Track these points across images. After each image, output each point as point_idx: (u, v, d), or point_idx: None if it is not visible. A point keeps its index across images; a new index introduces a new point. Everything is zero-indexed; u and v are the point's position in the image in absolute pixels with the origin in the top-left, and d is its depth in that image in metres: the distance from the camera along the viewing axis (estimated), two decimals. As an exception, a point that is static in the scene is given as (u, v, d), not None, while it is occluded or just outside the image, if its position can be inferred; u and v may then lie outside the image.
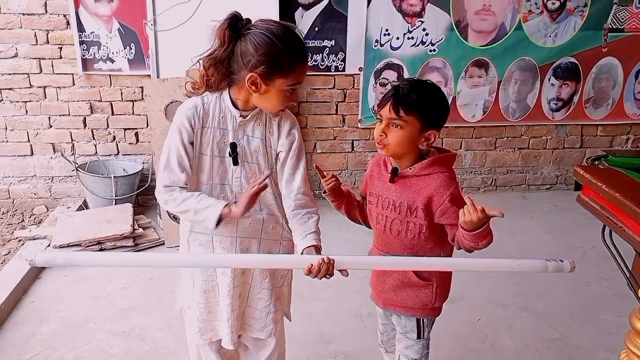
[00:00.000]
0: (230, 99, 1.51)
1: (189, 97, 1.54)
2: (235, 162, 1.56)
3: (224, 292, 1.64)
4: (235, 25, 1.42)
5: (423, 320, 1.69)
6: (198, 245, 1.64)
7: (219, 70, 1.46)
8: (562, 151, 4.39)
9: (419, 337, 1.70)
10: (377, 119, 1.59)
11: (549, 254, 3.36)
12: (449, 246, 1.64)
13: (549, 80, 4.13)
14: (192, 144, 1.51)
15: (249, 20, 1.44)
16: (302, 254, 1.51)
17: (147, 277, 3.00)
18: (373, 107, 4.00)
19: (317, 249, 1.51)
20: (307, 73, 3.62)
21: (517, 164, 4.40)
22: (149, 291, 2.86)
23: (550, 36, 3.99)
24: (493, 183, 4.43)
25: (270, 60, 1.38)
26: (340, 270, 1.42)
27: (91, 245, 3.20)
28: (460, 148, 4.23)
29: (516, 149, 4.35)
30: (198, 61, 1.49)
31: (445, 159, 1.59)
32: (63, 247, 3.14)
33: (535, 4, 3.89)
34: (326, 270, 1.37)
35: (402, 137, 1.51)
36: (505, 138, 4.30)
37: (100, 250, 3.22)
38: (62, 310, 2.72)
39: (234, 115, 1.52)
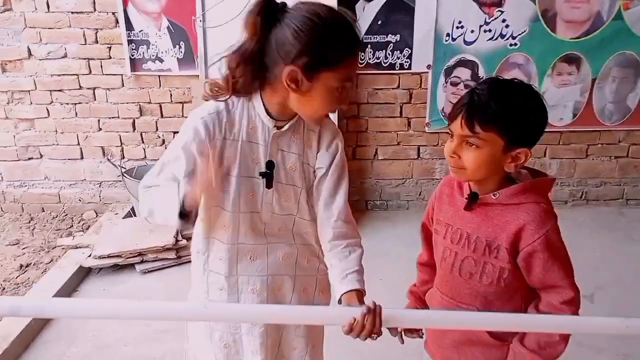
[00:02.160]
0: (263, 104, 1.19)
1: (207, 100, 1.22)
2: (269, 185, 1.24)
3: (255, 345, 1.34)
4: (269, 10, 1.09)
5: None
6: (219, 290, 1.34)
7: (249, 69, 1.14)
8: (668, 161, 3.78)
9: None
10: (448, 132, 1.22)
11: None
12: (534, 297, 1.26)
13: (655, 77, 3.54)
14: (203, 156, 1.17)
15: (284, 4, 1.12)
16: (339, 300, 1.19)
17: (186, 295, 2.76)
18: (442, 110, 3.58)
19: (360, 295, 1.18)
20: (369, 72, 3.19)
21: (613, 175, 3.83)
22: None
23: (657, 26, 3.40)
24: (584, 196, 3.88)
25: (314, 49, 1.07)
26: (389, 329, 1.10)
27: (132, 257, 3.02)
28: (545, 156, 3.73)
29: (612, 157, 3.78)
30: (221, 58, 1.17)
31: (541, 184, 1.22)
32: (103, 257, 2.98)
33: (640, -12, 3.33)
34: (372, 326, 1.04)
35: (479, 160, 1.15)
36: (600, 145, 3.74)
37: (142, 262, 3.02)
38: (94, 329, 2.54)
39: (267, 126, 1.21)
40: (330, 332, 1.51)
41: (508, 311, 1.25)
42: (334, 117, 3.29)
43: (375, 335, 1.06)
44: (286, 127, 1.22)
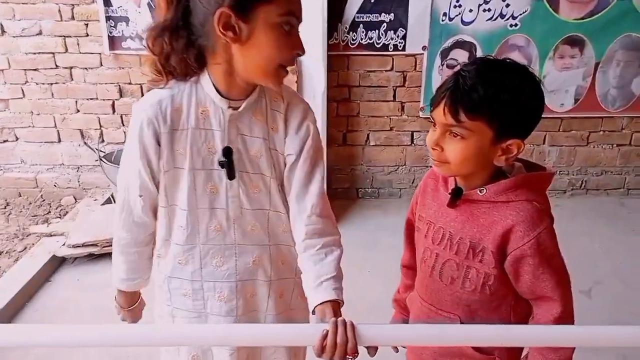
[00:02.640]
0: (211, 82, 1.03)
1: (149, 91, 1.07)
2: (231, 175, 1.08)
3: (223, 356, 1.19)
4: None
5: None
6: (182, 296, 1.19)
7: (177, 42, 0.97)
8: (672, 149, 3.63)
9: None
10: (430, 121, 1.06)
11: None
12: (523, 306, 1.11)
13: (662, 61, 3.37)
14: (160, 158, 1.05)
15: None
16: (313, 312, 1.03)
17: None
18: (438, 93, 3.41)
19: (337, 306, 1.01)
20: (361, 53, 2.96)
21: (614, 164, 3.68)
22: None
23: (666, 6, 3.23)
24: (583, 185, 3.73)
25: None
26: (367, 348, 0.95)
27: (108, 246, 2.85)
28: (544, 143, 3.58)
29: (614, 145, 3.63)
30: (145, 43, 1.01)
31: (536, 180, 1.06)
32: (78, 246, 2.84)
33: (649, -34, 3.14)
34: (345, 344, 0.90)
35: (465, 152, 1.00)
36: (602, 132, 3.59)
37: (119, 251, 2.88)
38: (66, 322, 2.42)
39: (220, 108, 1.04)
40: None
41: (495, 322, 1.11)
42: (322, 100, 3.13)
43: (351, 356, 0.92)
44: (243, 106, 1.06)
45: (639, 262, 2.89)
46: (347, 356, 0.91)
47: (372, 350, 0.97)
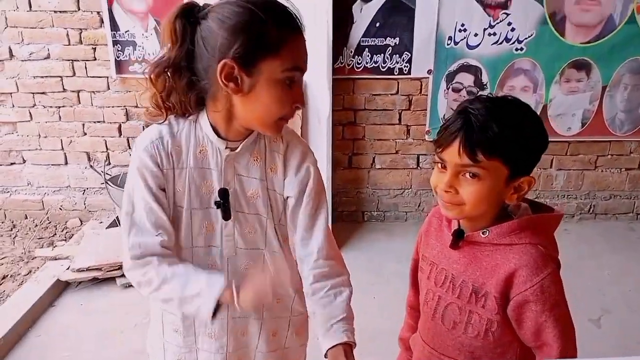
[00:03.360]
0: (210, 123, 1.03)
1: (148, 126, 1.06)
2: (227, 216, 1.07)
3: None
4: (190, 13, 0.95)
5: None
6: (174, 332, 1.18)
7: (178, 82, 0.98)
8: (681, 173, 3.58)
9: None
10: (434, 162, 1.04)
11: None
12: (531, 354, 1.07)
13: (669, 85, 3.35)
14: (163, 190, 1.04)
15: (205, 5, 0.97)
16: (325, 355, 1.03)
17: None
18: (443, 117, 3.40)
19: (349, 348, 1.02)
20: (366, 77, 2.97)
21: (623, 188, 3.64)
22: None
23: (672, 31, 3.21)
24: (591, 210, 3.68)
25: (247, 33, 0.91)
26: None
27: (112, 270, 2.86)
28: (551, 167, 3.55)
29: (623, 169, 3.59)
30: (147, 75, 1.01)
31: (542, 222, 1.03)
32: (82, 270, 2.83)
33: (655, -10, 3.14)
34: None
35: (482, 193, 0.98)
36: (609, 156, 3.56)
37: (123, 275, 2.86)
38: (68, 348, 2.41)
39: (217, 148, 1.04)
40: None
41: None
42: (327, 123, 3.12)
43: None
44: (240, 147, 1.05)
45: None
46: None
47: None
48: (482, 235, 1.03)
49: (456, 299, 1.07)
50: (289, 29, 0.95)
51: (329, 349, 1.03)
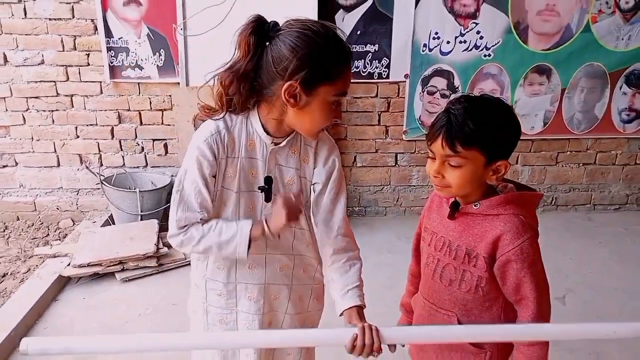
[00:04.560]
0: (260, 122, 1.22)
1: (203, 120, 1.24)
2: (268, 199, 1.28)
3: (249, 349, 1.37)
4: (261, 29, 1.12)
5: None
6: (217, 296, 1.37)
7: (244, 87, 1.16)
8: (633, 167, 3.93)
9: None
10: (424, 140, 1.27)
11: (622, 288, 2.95)
12: (513, 309, 1.29)
13: (621, 88, 3.68)
14: (214, 177, 1.23)
15: (276, 23, 1.15)
16: (341, 314, 1.25)
17: (169, 303, 2.76)
18: (419, 118, 3.66)
19: (361, 310, 1.24)
20: None
21: (581, 181, 3.96)
22: (170, 321, 2.60)
23: (622, 39, 3.55)
24: (554, 202, 4.00)
25: (313, 63, 1.10)
26: (388, 346, 1.15)
27: (112, 265, 2.98)
28: (517, 163, 3.84)
29: (581, 164, 3.92)
30: (213, 77, 1.19)
31: (525, 199, 1.25)
32: (83, 266, 2.94)
33: (606, 3, 3.46)
34: (371, 343, 1.10)
35: (463, 177, 1.19)
36: (569, 152, 3.87)
37: (122, 270, 3.00)
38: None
39: (264, 142, 1.24)
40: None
41: (487, 321, 1.28)
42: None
43: (377, 353, 1.11)
44: (283, 143, 1.26)
45: (605, 270, 3.14)
46: (373, 352, 1.11)
47: (392, 347, 1.16)
48: (474, 207, 1.24)
49: (452, 260, 1.28)
50: (344, 62, 1.16)
51: (344, 310, 1.24)
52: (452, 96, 3.55)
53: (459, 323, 1.30)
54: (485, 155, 1.17)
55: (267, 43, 1.13)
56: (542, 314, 1.21)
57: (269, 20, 1.15)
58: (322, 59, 1.11)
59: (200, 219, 1.24)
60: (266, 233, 1.23)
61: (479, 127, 1.14)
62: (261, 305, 1.36)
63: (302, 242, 1.37)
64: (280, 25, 1.15)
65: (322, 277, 1.45)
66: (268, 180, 1.26)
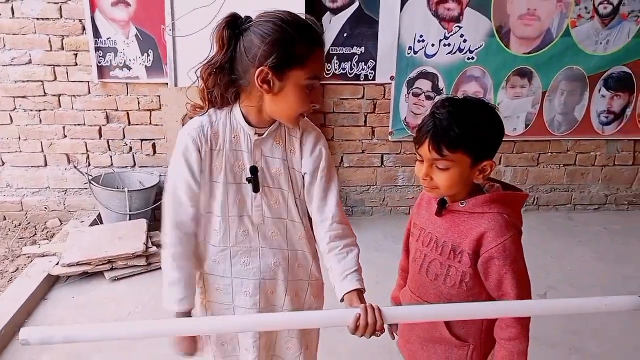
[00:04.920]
0: (242, 113, 1.27)
1: (191, 118, 1.30)
2: (256, 189, 1.32)
3: (248, 343, 1.41)
4: (235, 24, 1.18)
5: None
6: (215, 290, 1.41)
7: (222, 79, 1.22)
8: (612, 168, 4.03)
9: None
10: (411, 141, 1.32)
11: (601, 285, 3.05)
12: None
13: (599, 91, 3.79)
14: (201, 171, 1.28)
15: (248, 17, 1.20)
16: (341, 300, 1.28)
17: (158, 302, 2.75)
18: (405, 119, 3.73)
19: (360, 293, 1.27)
20: (335, 82, 3.31)
21: (562, 182, 4.06)
22: (159, 317, 2.63)
23: (601, 43, 3.65)
24: (535, 202, 4.10)
25: (281, 47, 1.14)
26: (389, 328, 1.20)
27: (101, 264, 3.00)
28: (500, 164, 3.93)
29: (561, 165, 4.02)
30: (195, 72, 1.24)
31: (510, 198, 1.30)
32: (72, 265, 2.96)
33: (585, 8, 3.56)
34: (374, 322, 1.13)
35: (451, 179, 1.23)
36: (550, 153, 3.97)
37: (111, 269, 3.02)
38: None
39: (247, 134, 1.28)
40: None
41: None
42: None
43: (379, 332, 1.15)
44: (265, 133, 1.30)
45: (584, 268, 3.24)
46: (376, 332, 1.15)
47: (394, 327, 1.20)
48: (461, 205, 1.29)
49: (438, 255, 1.33)
50: (313, 44, 1.20)
51: (345, 294, 1.27)
52: (437, 98, 3.63)
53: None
54: (471, 156, 1.21)
55: (240, 35, 1.18)
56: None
57: (243, 15, 1.20)
58: (290, 44, 1.15)
59: (192, 220, 1.32)
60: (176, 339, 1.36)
61: (463, 130, 1.18)
62: (257, 300, 1.39)
63: (295, 234, 1.39)
64: (253, 18, 1.20)
65: (320, 274, 1.48)
66: (253, 169, 1.30)
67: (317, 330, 1.57)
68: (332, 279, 1.32)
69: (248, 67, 1.18)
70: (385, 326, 1.17)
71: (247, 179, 1.31)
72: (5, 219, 3.71)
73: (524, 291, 1.25)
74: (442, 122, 1.19)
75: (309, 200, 1.37)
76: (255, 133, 1.29)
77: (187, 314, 1.34)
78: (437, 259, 1.33)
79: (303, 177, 1.36)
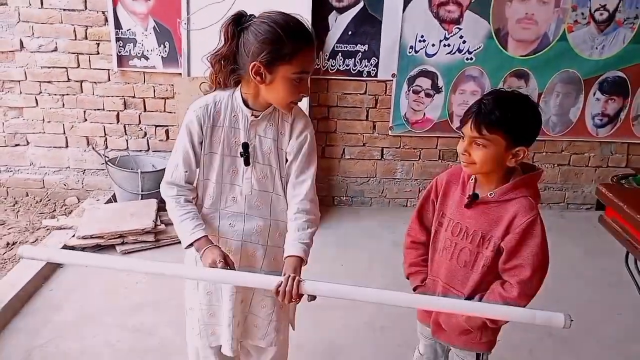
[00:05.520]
0: (242, 97, 1.48)
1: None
2: (247, 163, 1.52)
3: (226, 296, 1.60)
4: (239, 21, 1.39)
5: (483, 354, 1.60)
6: None
7: (225, 67, 1.43)
8: (605, 170, 4.14)
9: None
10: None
11: (580, 277, 3.20)
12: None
13: (594, 94, 3.92)
14: (201, 143, 1.49)
15: (252, 16, 1.41)
16: (284, 259, 1.47)
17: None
18: (405, 115, 3.91)
19: (300, 262, 1.46)
20: (339, 77, 3.54)
21: (555, 181, 4.19)
22: (164, 288, 2.84)
23: (597, 48, 3.78)
24: (529, 199, 4.21)
25: (270, 46, 1.34)
26: (308, 296, 1.38)
27: (113, 239, 3.24)
28: (495, 161, 4.05)
29: (555, 165, 4.15)
30: (206, 58, 1.46)
31: (529, 180, 1.44)
32: (86, 238, 3.20)
33: (582, 14, 3.70)
34: (290, 292, 1.34)
35: (486, 157, 1.38)
36: (544, 153, 4.11)
37: (122, 243, 3.26)
38: (78, 300, 2.77)
39: (245, 114, 1.49)
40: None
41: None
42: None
43: (295, 300, 1.35)
44: (261, 116, 1.50)
45: (571, 264, 3.38)
46: (292, 299, 1.35)
47: (311, 297, 1.38)
48: (490, 196, 1.43)
49: (468, 244, 1.47)
50: (301, 44, 1.39)
51: (288, 256, 1.45)
52: (435, 96, 3.78)
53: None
54: (507, 140, 1.35)
55: (242, 31, 1.38)
56: (532, 281, 1.38)
57: (248, 14, 1.40)
58: (279, 43, 1.35)
59: (186, 183, 1.52)
60: (198, 256, 1.48)
61: (503, 115, 1.33)
62: (238, 259, 1.58)
63: (278, 207, 1.59)
64: (255, 17, 1.40)
65: None
66: (245, 146, 1.50)
67: None
68: (286, 240, 1.51)
69: (245, 61, 1.38)
70: (305, 296, 1.37)
71: (240, 153, 1.51)
72: (28, 195, 3.98)
73: (537, 264, 1.38)
74: (486, 106, 1.35)
75: (287, 176, 1.56)
76: (252, 114, 1.49)
77: (205, 241, 1.47)
78: (467, 247, 1.48)
79: (286, 155, 1.56)
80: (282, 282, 1.35)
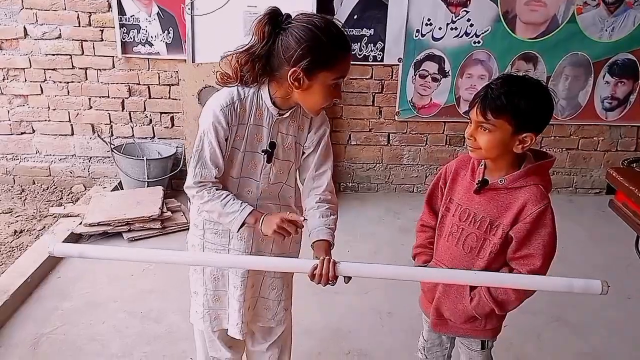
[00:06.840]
0: (270, 96, 1.45)
1: (221, 86, 1.48)
2: (269, 161, 1.52)
3: (237, 281, 1.61)
4: (275, 20, 1.35)
5: (487, 342, 1.61)
6: (213, 234, 1.61)
7: (257, 67, 1.39)
8: (614, 154, 4.11)
9: (483, 347, 1.62)
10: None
11: (590, 263, 3.18)
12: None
13: (604, 77, 3.87)
14: (226, 140, 1.47)
15: (289, 15, 1.37)
16: (312, 245, 1.49)
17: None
18: (411, 100, 3.87)
19: (329, 246, 1.47)
20: None
21: (564, 165, 4.16)
22: (171, 275, 2.86)
23: (606, 30, 3.72)
24: (537, 184, 4.18)
25: (313, 53, 1.31)
26: (344, 277, 1.38)
27: (120, 226, 3.25)
28: (503, 146, 4.02)
29: (564, 149, 4.11)
30: (234, 54, 1.41)
31: (541, 167, 1.41)
32: (93, 225, 3.21)
33: (592, -5, 3.64)
34: (327, 274, 1.34)
35: (491, 142, 1.35)
36: (553, 137, 4.06)
37: (129, 231, 3.27)
38: (86, 287, 2.79)
39: (271, 113, 1.47)
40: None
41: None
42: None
43: (332, 282, 1.35)
44: (287, 114, 1.49)
45: (578, 247, 3.36)
46: (329, 281, 1.35)
47: (347, 278, 1.38)
48: (500, 183, 1.40)
49: (476, 229, 1.45)
50: (342, 50, 1.37)
51: (317, 241, 1.48)
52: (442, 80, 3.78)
53: (470, 286, 1.49)
54: (513, 125, 1.32)
55: (279, 33, 1.35)
56: (541, 271, 1.36)
57: (282, 13, 1.37)
58: (322, 50, 1.32)
59: (215, 178, 1.48)
60: (257, 227, 1.48)
61: (509, 100, 1.30)
62: (250, 245, 1.59)
63: (287, 194, 1.61)
64: (292, 17, 1.37)
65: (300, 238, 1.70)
66: (272, 145, 1.50)
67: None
68: (312, 226, 1.52)
69: (283, 64, 1.35)
70: (341, 278, 1.37)
71: (262, 150, 1.50)
72: (35, 183, 4.00)
73: (546, 254, 1.38)
74: (493, 91, 1.33)
75: (305, 168, 1.58)
76: (278, 113, 1.47)
77: (258, 212, 1.48)
78: (474, 232, 1.46)
79: (303, 149, 1.56)
80: (317, 265, 1.35)
